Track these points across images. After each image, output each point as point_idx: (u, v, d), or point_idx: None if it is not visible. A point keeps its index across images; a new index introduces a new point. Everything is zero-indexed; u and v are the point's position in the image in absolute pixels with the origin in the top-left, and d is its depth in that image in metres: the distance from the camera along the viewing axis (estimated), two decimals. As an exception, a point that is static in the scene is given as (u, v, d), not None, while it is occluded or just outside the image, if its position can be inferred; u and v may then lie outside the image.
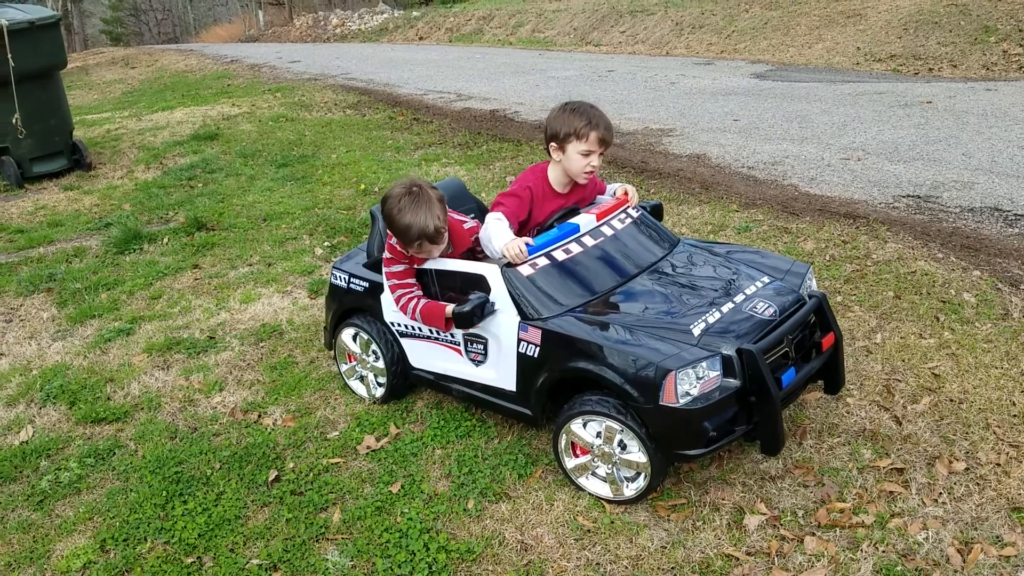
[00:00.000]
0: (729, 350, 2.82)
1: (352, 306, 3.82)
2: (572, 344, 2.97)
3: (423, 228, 3.16)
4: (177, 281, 5.59)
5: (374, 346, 3.70)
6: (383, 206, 3.29)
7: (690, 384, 2.75)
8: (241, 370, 4.30)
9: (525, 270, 3.16)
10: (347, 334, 3.85)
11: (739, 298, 3.09)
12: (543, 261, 3.21)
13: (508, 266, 3.17)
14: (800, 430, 3.30)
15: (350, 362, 3.91)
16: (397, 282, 3.44)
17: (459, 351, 3.40)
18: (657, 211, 3.79)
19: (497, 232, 3.27)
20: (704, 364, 2.76)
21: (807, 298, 3.16)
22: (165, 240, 6.39)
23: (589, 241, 3.32)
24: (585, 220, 3.37)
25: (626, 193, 3.57)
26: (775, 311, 3.02)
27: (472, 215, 3.72)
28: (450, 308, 3.21)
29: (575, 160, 3.36)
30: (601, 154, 3.39)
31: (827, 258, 4.68)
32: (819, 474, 3.06)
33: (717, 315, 2.98)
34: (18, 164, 8.28)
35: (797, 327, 3.00)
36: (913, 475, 2.99)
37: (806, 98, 9.16)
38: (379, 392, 3.80)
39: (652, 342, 2.85)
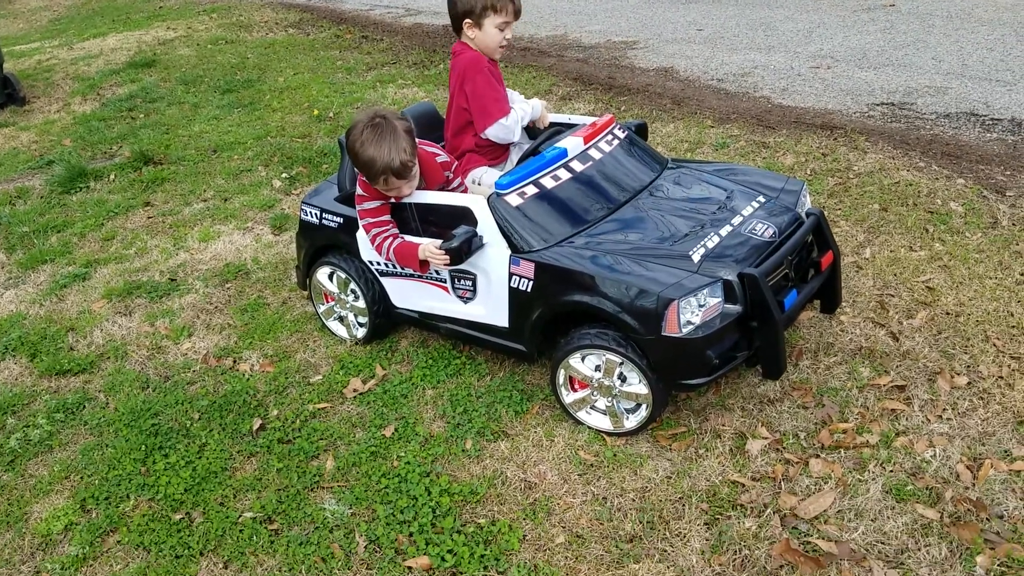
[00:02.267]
0: (730, 275, 2.72)
1: (326, 243, 3.63)
2: (568, 276, 2.84)
3: (387, 163, 2.94)
4: (129, 220, 5.31)
5: (353, 285, 3.53)
6: (347, 138, 3.07)
7: (692, 313, 2.65)
8: (209, 314, 4.11)
9: (514, 200, 3.00)
10: (322, 273, 3.67)
11: (736, 220, 2.97)
12: (532, 190, 3.04)
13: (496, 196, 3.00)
14: (795, 351, 3.25)
15: (327, 302, 3.74)
16: (371, 220, 3.23)
17: (446, 288, 3.25)
18: (642, 130, 3.64)
19: (518, 117, 3.41)
20: (705, 291, 2.67)
21: (804, 217, 3.06)
22: (112, 177, 6.05)
23: (578, 166, 3.16)
24: (572, 143, 3.20)
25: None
26: (774, 232, 2.92)
27: (443, 144, 3.52)
28: (425, 245, 3.04)
29: (492, 35, 3.32)
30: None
31: (808, 172, 4.58)
32: (818, 395, 3.02)
33: (716, 239, 2.87)
34: (-56, 101, 7.76)
35: (797, 248, 2.91)
36: (915, 392, 2.97)
37: (768, 4, 8.93)
38: (360, 333, 3.65)
39: (651, 271, 2.74)
